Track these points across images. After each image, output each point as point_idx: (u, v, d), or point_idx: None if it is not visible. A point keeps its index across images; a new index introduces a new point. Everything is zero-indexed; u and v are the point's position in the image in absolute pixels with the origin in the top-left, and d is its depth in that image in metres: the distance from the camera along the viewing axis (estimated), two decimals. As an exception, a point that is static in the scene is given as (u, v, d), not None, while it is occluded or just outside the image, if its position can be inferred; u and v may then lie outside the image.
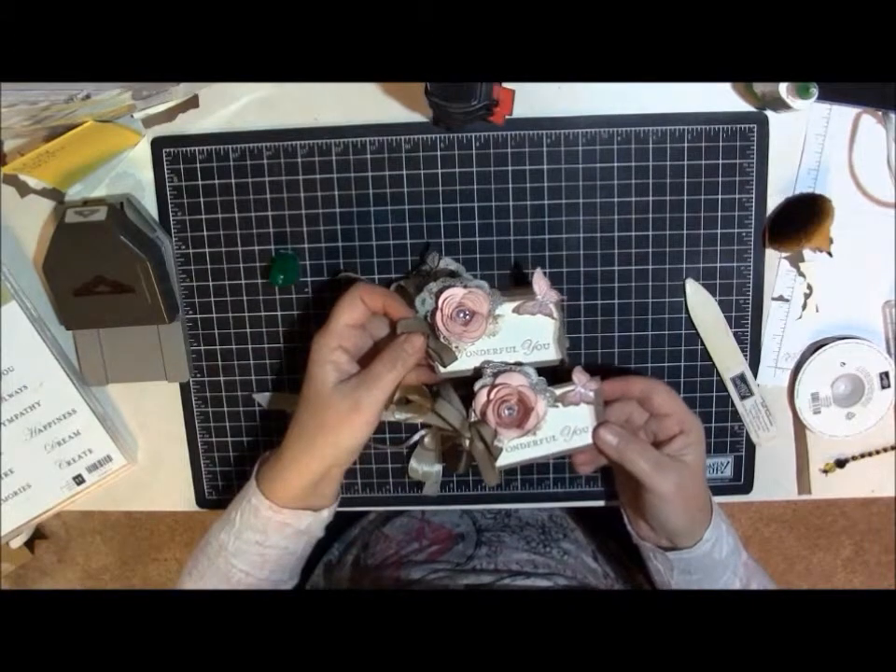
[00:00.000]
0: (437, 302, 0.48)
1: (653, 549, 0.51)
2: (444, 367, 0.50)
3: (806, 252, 0.55)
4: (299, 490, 0.49)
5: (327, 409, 0.47)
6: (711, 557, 0.50)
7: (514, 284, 0.57)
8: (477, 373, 0.50)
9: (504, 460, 0.50)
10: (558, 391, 0.49)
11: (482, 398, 0.49)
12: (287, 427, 0.50)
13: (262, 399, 0.60)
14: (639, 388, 0.50)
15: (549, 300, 0.50)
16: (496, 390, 0.48)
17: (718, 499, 0.59)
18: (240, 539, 0.50)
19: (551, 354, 0.51)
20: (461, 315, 0.49)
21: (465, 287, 0.49)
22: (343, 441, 0.47)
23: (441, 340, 0.49)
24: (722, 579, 0.51)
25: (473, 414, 0.49)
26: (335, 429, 0.47)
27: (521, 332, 0.51)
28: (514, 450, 0.50)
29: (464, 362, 0.50)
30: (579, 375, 0.50)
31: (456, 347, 0.50)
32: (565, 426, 0.50)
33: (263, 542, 0.50)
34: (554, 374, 0.51)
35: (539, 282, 0.50)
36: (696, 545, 0.50)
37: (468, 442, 0.50)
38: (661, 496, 0.47)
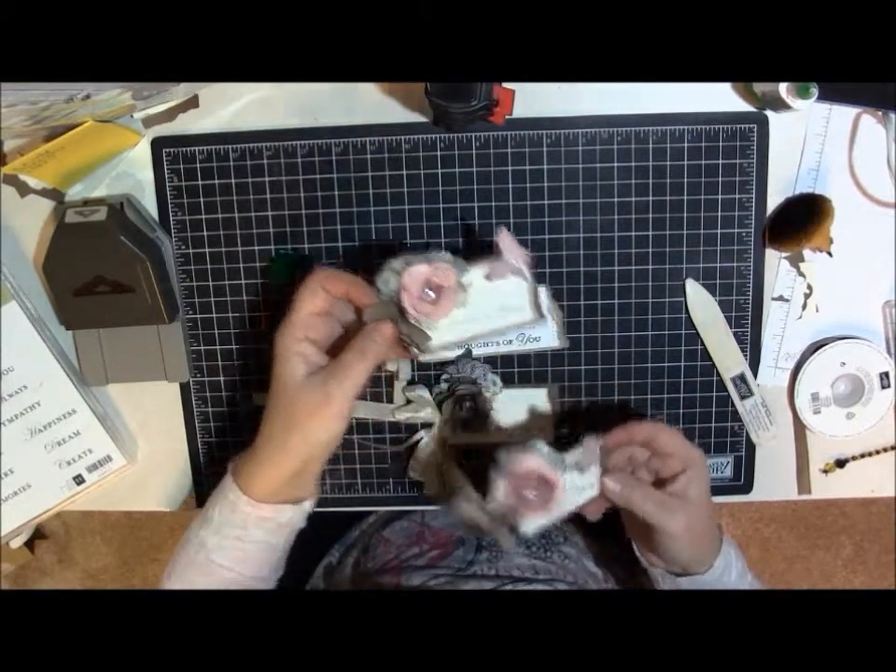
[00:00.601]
0: (401, 283, 0.46)
1: (663, 574, 0.52)
2: (420, 350, 0.48)
3: (806, 252, 0.55)
4: (276, 485, 0.48)
5: (295, 403, 0.46)
6: (721, 582, 0.51)
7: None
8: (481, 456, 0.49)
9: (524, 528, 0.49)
10: (569, 458, 0.48)
11: (500, 489, 0.47)
12: (259, 424, 0.49)
13: (262, 399, 0.60)
14: (643, 435, 0.50)
15: (516, 258, 0.48)
16: (514, 482, 0.47)
17: (718, 499, 0.59)
18: (219, 534, 0.49)
19: (526, 315, 0.49)
20: (428, 292, 0.47)
21: (428, 262, 0.46)
22: (314, 436, 0.46)
23: (412, 321, 0.47)
24: None
25: (492, 501, 0.48)
26: (306, 425, 0.45)
27: (492, 298, 0.49)
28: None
29: (439, 335, 0.48)
30: (589, 442, 0.49)
31: (427, 327, 0.47)
32: (573, 485, 0.49)
33: (244, 538, 0.49)
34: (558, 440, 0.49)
35: (505, 240, 0.48)
36: (707, 572, 0.50)
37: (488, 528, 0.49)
38: (670, 535, 0.48)
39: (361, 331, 0.47)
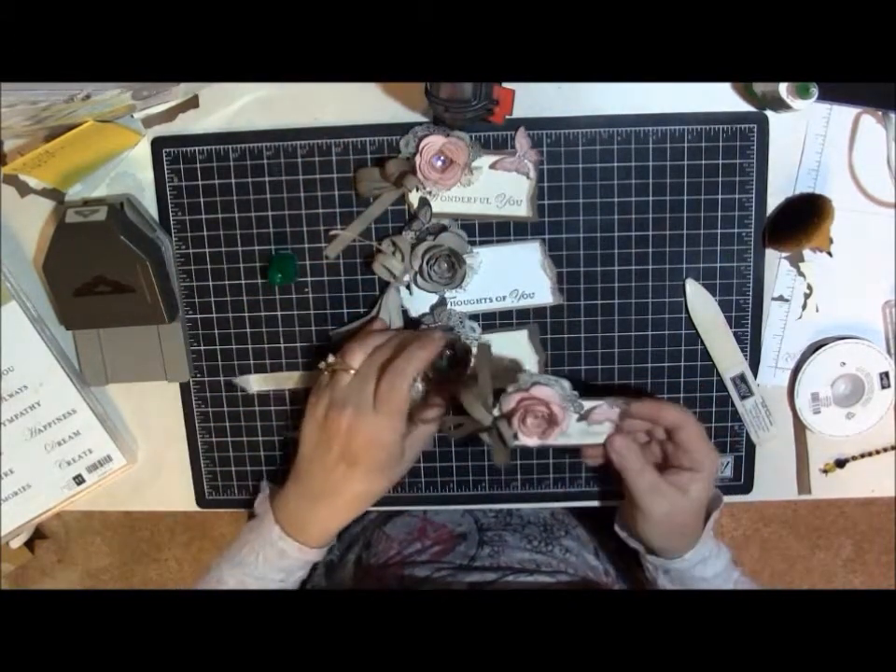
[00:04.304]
0: (417, 147, 0.52)
1: (639, 549, 0.53)
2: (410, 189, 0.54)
3: (806, 252, 0.55)
4: (335, 531, 0.51)
5: (388, 462, 0.50)
6: (692, 573, 0.52)
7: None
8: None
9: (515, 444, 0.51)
10: (586, 404, 0.50)
11: (510, 402, 0.50)
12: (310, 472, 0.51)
13: (244, 382, 0.59)
14: (671, 419, 0.50)
15: (528, 157, 0.53)
16: (527, 402, 0.49)
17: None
18: (263, 579, 0.51)
19: (522, 210, 0.54)
20: (439, 161, 0.52)
21: (447, 136, 0.52)
22: (386, 486, 0.52)
23: (419, 187, 0.53)
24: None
25: (498, 409, 0.50)
26: (392, 477, 0.51)
27: (496, 186, 0.55)
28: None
29: (440, 206, 0.55)
30: (612, 403, 0.50)
31: (430, 192, 0.54)
32: (580, 430, 0.51)
33: (288, 579, 0.52)
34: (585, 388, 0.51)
35: (521, 139, 0.53)
36: (675, 559, 0.51)
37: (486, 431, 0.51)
38: (647, 516, 0.49)
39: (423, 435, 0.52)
